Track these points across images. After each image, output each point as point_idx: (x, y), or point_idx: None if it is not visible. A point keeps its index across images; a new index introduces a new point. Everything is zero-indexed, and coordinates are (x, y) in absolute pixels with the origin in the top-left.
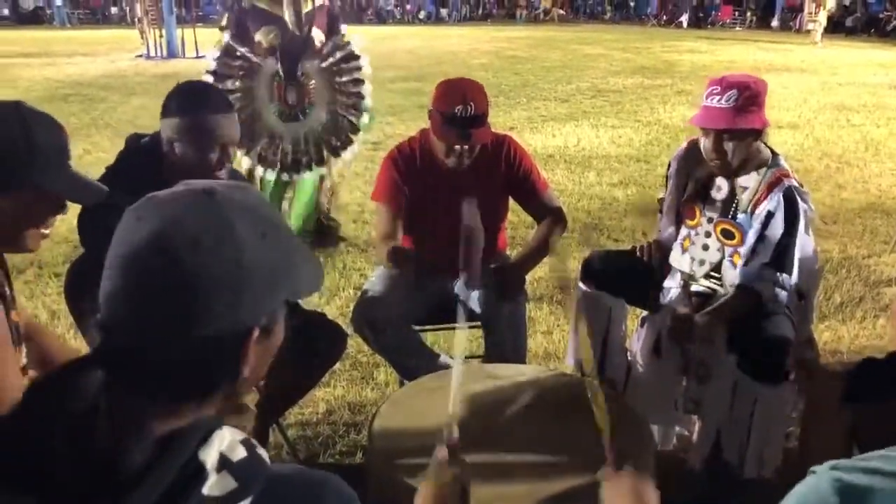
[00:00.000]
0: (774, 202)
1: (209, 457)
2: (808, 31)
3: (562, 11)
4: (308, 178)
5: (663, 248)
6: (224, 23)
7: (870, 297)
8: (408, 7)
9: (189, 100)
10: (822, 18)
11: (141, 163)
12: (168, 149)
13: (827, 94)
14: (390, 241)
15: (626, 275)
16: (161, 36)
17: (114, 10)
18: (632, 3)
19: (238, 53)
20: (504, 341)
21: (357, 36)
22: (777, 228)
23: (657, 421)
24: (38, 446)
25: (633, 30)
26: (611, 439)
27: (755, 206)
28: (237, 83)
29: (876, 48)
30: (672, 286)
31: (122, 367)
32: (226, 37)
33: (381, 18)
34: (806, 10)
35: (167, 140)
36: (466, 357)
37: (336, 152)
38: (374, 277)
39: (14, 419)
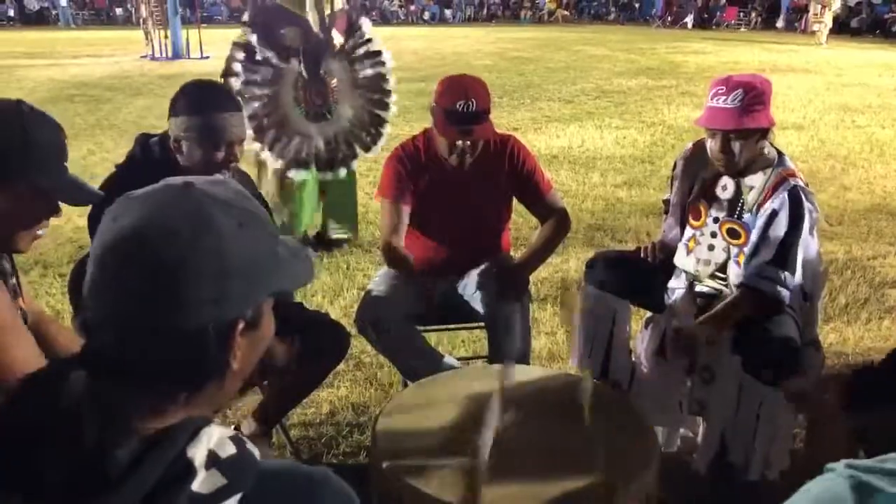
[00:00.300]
0: (779, 201)
1: (198, 454)
2: (814, 32)
3: (566, 12)
4: (343, 175)
5: (667, 249)
6: (245, 18)
7: (875, 298)
8: (412, 8)
9: (197, 99)
10: (828, 19)
11: (150, 162)
12: (176, 147)
13: (832, 95)
14: (394, 237)
15: (631, 276)
16: (166, 37)
17: (119, 10)
18: (636, 5)
19: (262, 58)
20: (508, 342)
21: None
22: (780, 227)
23: (661, 422)
24: (25, 445)
25: (638, 31)
26: None
27: (761, 205)
28: (265, 90)
29: (881, 49)
30: (677, 286)
31: (106, 364)
32: (252, 38)
33: (386, 19)
34: (811, 11)
35: (175, 138)
36: (470, 357)
37: (367, 147)
38: (378, 277)
39: (1, 416)
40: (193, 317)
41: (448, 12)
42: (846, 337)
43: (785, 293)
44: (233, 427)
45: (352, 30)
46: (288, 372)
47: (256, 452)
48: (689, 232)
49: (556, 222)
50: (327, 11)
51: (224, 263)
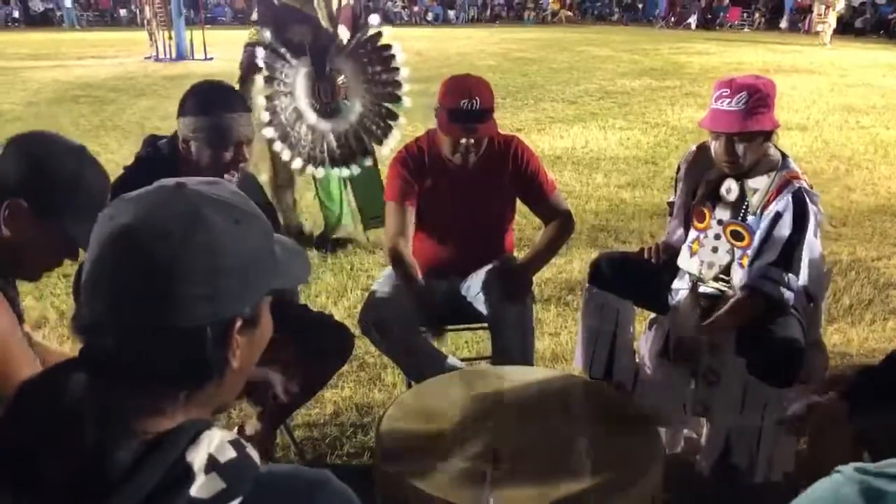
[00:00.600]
0: (783, 203)
1: (197, 458)
2: (817, 33)
3: (570, 13)
4: (358, 171)
5: (671, 250)
6: (255, 17)
7: (879, 299)
8: (415, 9)
9: (206, 99)
10: (832, 20)
11: (157, 163)
12: (184, 148)
13: (836, 96)
14: (400, 240)
15: (635, 277)
16: (170, 38)
17: (123, 11)
18: (640, 5)
19: (280, 54)
20: (511, 343)
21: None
22: (784, 229)
23: (665, 423)
24: (26, 448)
25: (642, 31)
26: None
27: (765, 207)
28: (281, 86)
29: (885, 49)
30: (681, 287)
31: (104, 365)
32: (266, 34)
33: (389, 20)
34: (815, 12)
35: (184, 139)
36: (473, 358)
37: (379, 140)
38: (382, 278)
39: (2, 420)
40: (189, 315)
41: (451, 13)
42: (850, 338)
43: (789, 295)
44: (236, 428)
45: (358, 24)
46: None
47: (256, 456)
48: (692, 234)
49: (560, 223)
50: (334, 6)
51: (218, 261)
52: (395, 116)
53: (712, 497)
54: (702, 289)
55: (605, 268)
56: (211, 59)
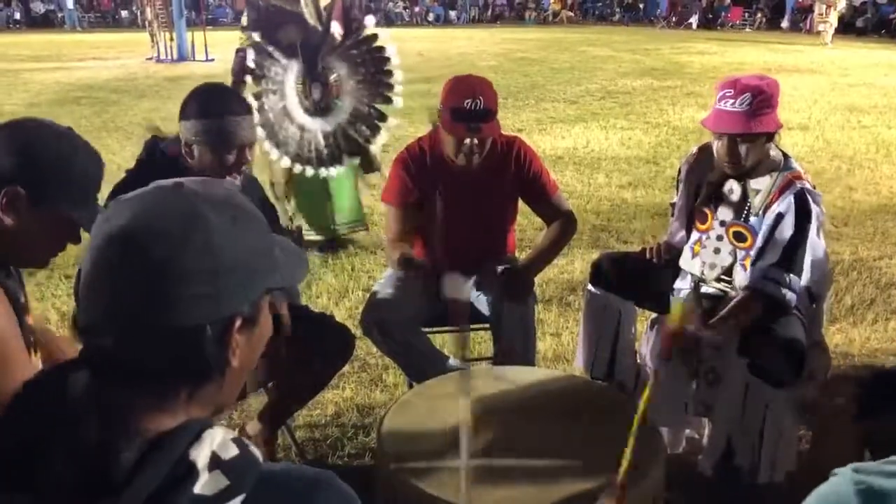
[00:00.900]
0: (785, 204)
1: (200, 455)
2: (819, 32)
3: (571, 13)
4: (344, 171)
5: (673, 250)
6: (245, 22)
7: (881, 299)
8: (416, 9)
9: (208, 102)
10: (833, 19)
11: (160, 166)
12: (187, 151)
13: (837, 96)
14: (400, 243)
15: (636, 277)
16: (171, 39)
17: (124, 13)
18: (641, 5)
19: (271, 55)
20: (513, 344)
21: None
22: (787, 229)
23: (667, 424)
24: (29, 447)
25: (643, 31)
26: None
27: (767, 208)
28: (270, 84)
29: (887, 49)
30: (682, 288)
31: (105, 365)
32: (255, 36)
33: (390, 20)
34: (816, 11)
35: (186, 142)
36: (475, 359)
37: (368, 140)
38: (383, 279)
39: (4, 420)
40: (188, 314)
41: (453, 13)
42: (852, 338)
43: (791, 296)
44: (238, 429)
45: (351, 23)
46: (293, 373)
47: (259, 454)
48: (694, 235)
49: (562, 224)
50: (323, 3)
51: (216, 259)
52: (384, 118)
53: (714, 497)
54: (704, 289)
55: (606, 268)
56: (212, 60)
